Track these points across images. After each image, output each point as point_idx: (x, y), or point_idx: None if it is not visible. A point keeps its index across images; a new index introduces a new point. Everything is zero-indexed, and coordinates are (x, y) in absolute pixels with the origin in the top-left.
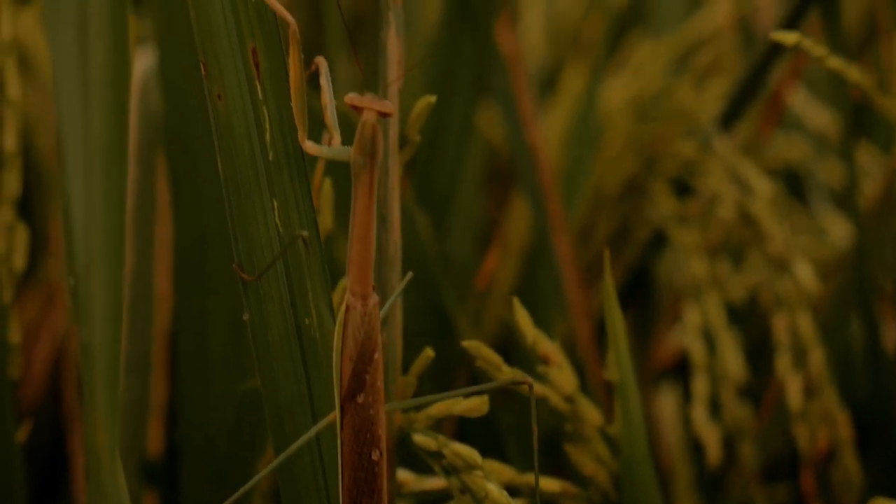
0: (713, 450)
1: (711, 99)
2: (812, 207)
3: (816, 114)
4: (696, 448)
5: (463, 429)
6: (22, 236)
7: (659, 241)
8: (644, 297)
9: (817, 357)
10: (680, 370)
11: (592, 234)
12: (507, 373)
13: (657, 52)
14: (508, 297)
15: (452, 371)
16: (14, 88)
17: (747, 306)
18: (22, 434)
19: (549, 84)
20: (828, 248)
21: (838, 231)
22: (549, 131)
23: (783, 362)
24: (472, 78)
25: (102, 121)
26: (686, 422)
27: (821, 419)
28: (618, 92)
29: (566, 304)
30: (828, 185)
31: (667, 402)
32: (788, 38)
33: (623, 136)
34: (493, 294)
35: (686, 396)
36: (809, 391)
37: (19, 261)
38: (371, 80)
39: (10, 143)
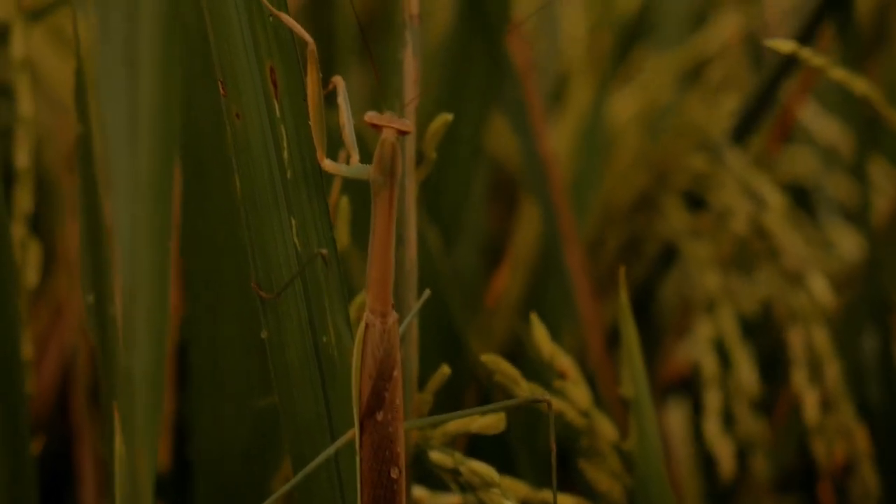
0: (727, 463)
1: (721, 113)
2: (820, 220)
3: (824, 126)
4: (704, 462)
5: (474, 442)
6: (35, 252)
7: (667, 255)
8: (650, 312)
9: (833, 371)
10: (687, 385)
11: (601, 249)
12: (524, 388)
13: (664, 67)
14: (517, 308)
15: (462, 387)
16: (26, 105)
17: (755, 319)
18: (36, 447)
19: (555, 96)
20: (836, 262)
21: (846, 244)
22: (556, 143)
23: (799, 376)
24: (483, 91)
25: (150, 150)
26: (696, 436)
27: (837, 432)
28: (625, 105)
29: (577, 316)
30: (836, 199)
31: (675, 416)
32: (784, 46)
33: (633, 151)
34: (502, 305)
35: (695, 411)
36: (823, 405)
37: (32, 276)
38: (383, 91)
39: (23, 159)
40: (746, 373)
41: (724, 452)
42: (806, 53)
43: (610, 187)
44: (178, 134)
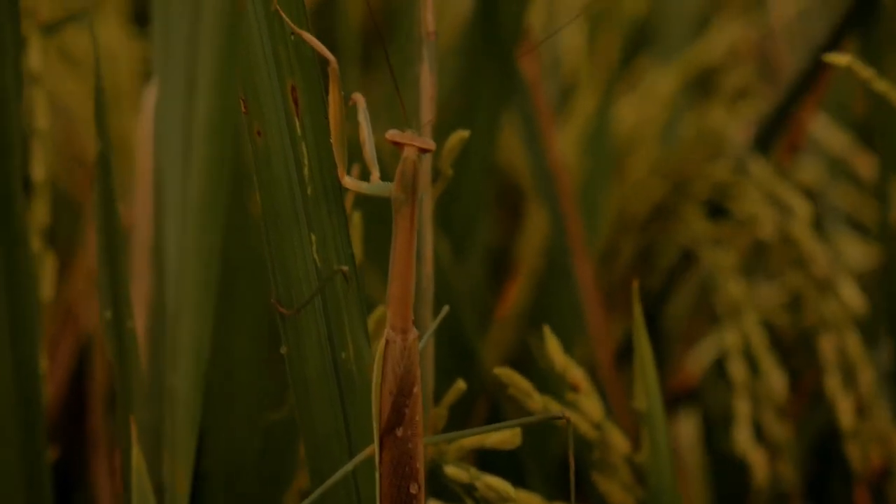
0: (760, 471)
1: (737, 122)
2: (826, 229)
3: (831, 136)
4: (714, 471)
5: (482, 453)
6: (51, 265)
7: (679, 266)
8: (658, 322)
9: (867, 376)
10: (695, 395)
11: (613, 258)
12: (537, 401)
13: (670, 74)
14: (524, 317)
15: (473, 399)
16: (42, 119)
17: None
18: (51, 455)
19: (559, 102)
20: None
21: (853, 252)
22: (562, 150)
23: (832, 382)
24: (494, 104)
25: (202, 175)
26: (705, 446)
27: (871, 437)
28: (631, 113)
29: (586, 326)
30: (842, 208)
31: (684, 426)
32: (840, 59)
33: (647, 160)
34: (510, 314)
35: (706, 421)
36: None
37: (48, 289)
38: (402, 106)
39: (39, 172)
40: (775, 379)
41: (756, 460)
42: (857, 66)
43: (623, 197)
44: (231, 158)
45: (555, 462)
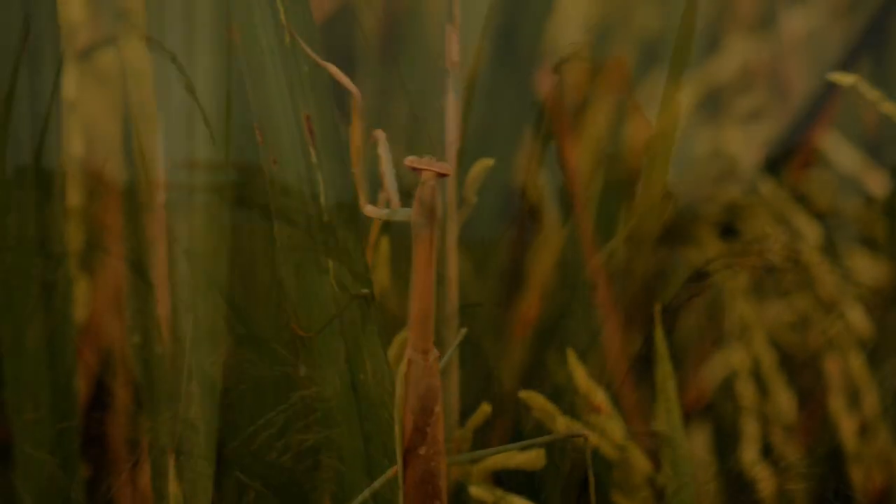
0: (766, 490)
1: (747, 141)
2: (838, 246)
3: (844, 154)
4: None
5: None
6: (83, 288)
7: (691, 284)
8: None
9: (872, 398)
10: (706, 411)
11: (627, 277)
12: (561, 423)
13: (682, 94)
14: (539, 330)
15: (494, 418)
16: (76, 145)
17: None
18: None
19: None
20: (854, 286)
21: (863, 268)
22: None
23: (836, 403)
24: (513, 125)
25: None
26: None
27: (876, 459)
28: (643, 132)
29: (601, 342)
30: (854, 225)
31: (696, 442)
32: (845, 79)
33: (658, 181)
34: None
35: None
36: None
37: (81, 312)
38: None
39: (73, 197)
40: (783, 400)
41: (762, 480)
42: (864, 86)
43: (636, 214)
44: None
45: (570, 477)
